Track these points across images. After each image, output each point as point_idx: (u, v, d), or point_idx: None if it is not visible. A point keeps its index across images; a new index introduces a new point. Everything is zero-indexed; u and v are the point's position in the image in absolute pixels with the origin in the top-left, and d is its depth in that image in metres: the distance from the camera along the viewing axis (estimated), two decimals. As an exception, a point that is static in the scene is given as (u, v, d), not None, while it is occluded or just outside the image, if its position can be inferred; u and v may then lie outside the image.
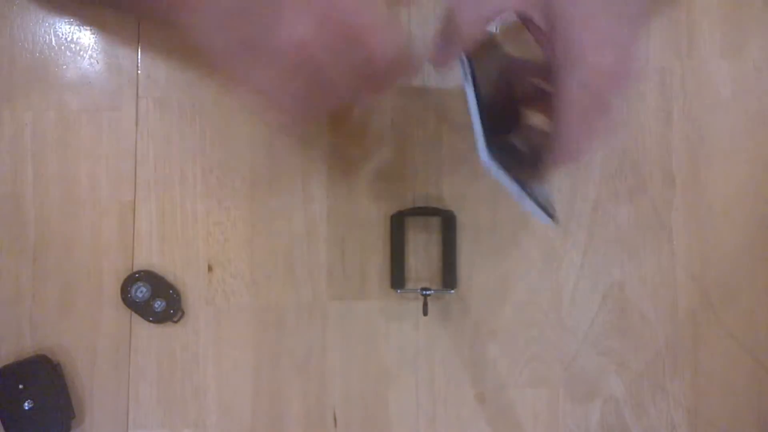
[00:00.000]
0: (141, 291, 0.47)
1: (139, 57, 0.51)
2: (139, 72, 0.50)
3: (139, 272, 0.48)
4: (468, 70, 0.38)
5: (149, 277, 0.47)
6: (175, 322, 0.49)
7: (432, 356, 0.50)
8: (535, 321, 0.50)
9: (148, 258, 0.49)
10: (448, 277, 0.49)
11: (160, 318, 0.48)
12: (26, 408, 0.47)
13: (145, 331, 0.49)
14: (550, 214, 0.39)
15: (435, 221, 0.50)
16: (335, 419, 0.49)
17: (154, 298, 0.47)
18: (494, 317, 0.50)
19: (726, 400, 0.50)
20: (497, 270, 0.50)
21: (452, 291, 0.49)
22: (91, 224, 0.50)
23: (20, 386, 0.47)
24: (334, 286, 0.50)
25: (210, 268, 0.50)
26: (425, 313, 0.48)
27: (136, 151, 0.50)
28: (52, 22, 0.50)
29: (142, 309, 0.46)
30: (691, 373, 0.50)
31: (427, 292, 0.48)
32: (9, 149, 0.50)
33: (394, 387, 0.49)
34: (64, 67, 0.50)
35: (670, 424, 0.50)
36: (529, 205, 0.39)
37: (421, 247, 0.50)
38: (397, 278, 0.49)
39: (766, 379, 0.50)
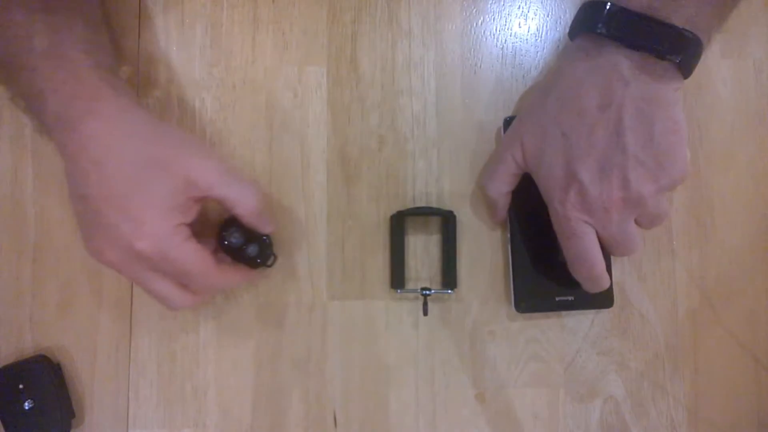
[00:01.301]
0: (235, 237, 0.46)
1: (139, 57, 0.51)
2: (139, 72, 0.50)
3: (231, 218, 0.47)
4: (509, 228, 0.49)
5: (242, 224, 0.47)
6: (269, 266, 0.48)
7: (432, 356, 0.50)
8: (535, 321, 0.50)
9: (148, 258, 0.49)
10: (448, 277, 0.49)
11: (254, 263, 0.47)
12: (26, 408, 0.47)
13: (145, 330, 0.49)
14: (600, 305, 0.49)
15: (435, 221, 0.50)
16: (335, 419, 0.49)
17: (247, 243, 0.47)
18: (494, 317, 0.50)
19: (726, 400, 0.50)
20: (497, 270, 0.50)
21: (452, 291, 0.49)
22: (91, 224, 0.50)
23: (20, 386, 0.47)
24: (334, 286, 0.50)
25: (210, 268, 0.50)
26: (425, 313, 0.48)
27: (136, 151, 0.50)
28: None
29: (237, 254, 0.47)
30: (691, 373, 0.50)
31: (427, 292, 0.48)
32: (9, 148, 0.50)
33: (394, 387, 0.49)
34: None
35: (670, 424, 0.50)
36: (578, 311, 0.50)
37: (421, 247, 0.50)
38: (397, 278, 0.49)
39: (766, 379, 0.50)
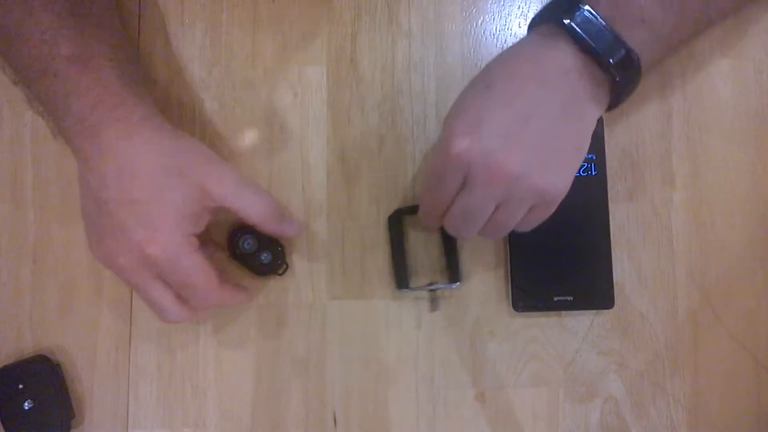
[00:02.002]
0: (248, 243, 0.47)
1: (139, 56, 0.50)
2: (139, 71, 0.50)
3: (245, 224, 0.47)
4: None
5: (255, 230, 0.47)
6: (280, 275, 0.49)
7: (432, 356, 0.50)
8: (535, 320, 0.50)
9: (148, 258, 0.49)
10: (452, 270, 0.48)
11: (265, 270, 0.48)
12: (26, 408, 0.47)
13: (144, 330, 0.49)
14: (600, 306, 0.49)
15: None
16: (335, 419, 0.49)
17: (260, 250, 0.47)
18: (494, 317, 0.50)
19: (726, 400, 0.50)
20: (497, 270, 0.50)
21: (458, 284, 0.48)
22: (91, 224, 0.50)
23: (20, 386, 0.47)
24: (334, 286, 0.50)
25: (210, 268, 0.50)
26: (434, 308, 0.48)
27: (136, 151, 0.50)
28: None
29: (249, 261, 0.47)
30: (691, 373, 0.50)
31: (434, 288, 0.48)
32: (9, 148, 0.50)
33: (394, 387, 0.49)
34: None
35: (670, 424, 0.50)
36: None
37: (421, 247, 0.50)
38: (401, 278, 0.49)
39: (766, 379, 0.50)
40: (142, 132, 0.41)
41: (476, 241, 0.50)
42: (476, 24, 0.52)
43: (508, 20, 0.52)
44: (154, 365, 0.49)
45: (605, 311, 0.50)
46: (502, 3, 0.52)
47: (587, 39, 0.39)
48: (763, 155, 0.51)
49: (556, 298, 0.48)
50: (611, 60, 0.39)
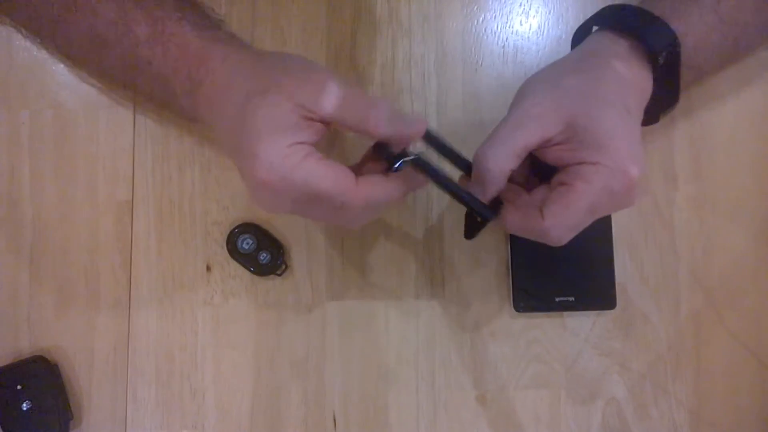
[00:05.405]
0: (247, 242, 0.47)
1: None
2: (136, 70, 0.50)
3: (244, 224, 0.47)
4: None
5: (254, 230, 0.47)
6: (279, 275, 0.49)
7: (432, 357, 0.49)
8: (537, 321, 0.49)
9: (146, 258, 0.49)
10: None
11: (264, 270, 0.48)
12: (24, 409, 0.46)
13: (143, 331, 0.49)
14: (602, 307, 0.49)
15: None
16: (335, 421, 0.49)
17: (259, 250, 0.47)
18: (495, 318, 0.49)
19: (729, 402, 0.49)
20: (498, 270, 0.50)
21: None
22: (88, 224, 0.49)
23: (18, 387, 0.47)
24: (334, 286, 0.50)
25: (208, 269, 0.49)
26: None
27: (133, 150, 0.50)
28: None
29: (247, 261, 0.47)
30: (693, 375, 0.49)
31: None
32: (6, 148, 0.50)
33: (394, 388, 0.49)
34: (61, 65, 0.50)
35: (673, 426, 0.49)
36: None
37: (420, 247, 0.50)
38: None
39: (770, 380, 0.50)
40: (224, 73, 0.40)
41: (477, 242, 0.50)
42: (477, 21, 0.51)
43: (509, 18, 0.51)
44: (153, 366, 0.49)
45: (607, 312, 0.49)
46: (503, 0, 0.51)
47: (665, 77, 0.40)
48: (766, 153, 0.51)
49: (557, 299, 0.48)
50: (661, 114, 0.42)
